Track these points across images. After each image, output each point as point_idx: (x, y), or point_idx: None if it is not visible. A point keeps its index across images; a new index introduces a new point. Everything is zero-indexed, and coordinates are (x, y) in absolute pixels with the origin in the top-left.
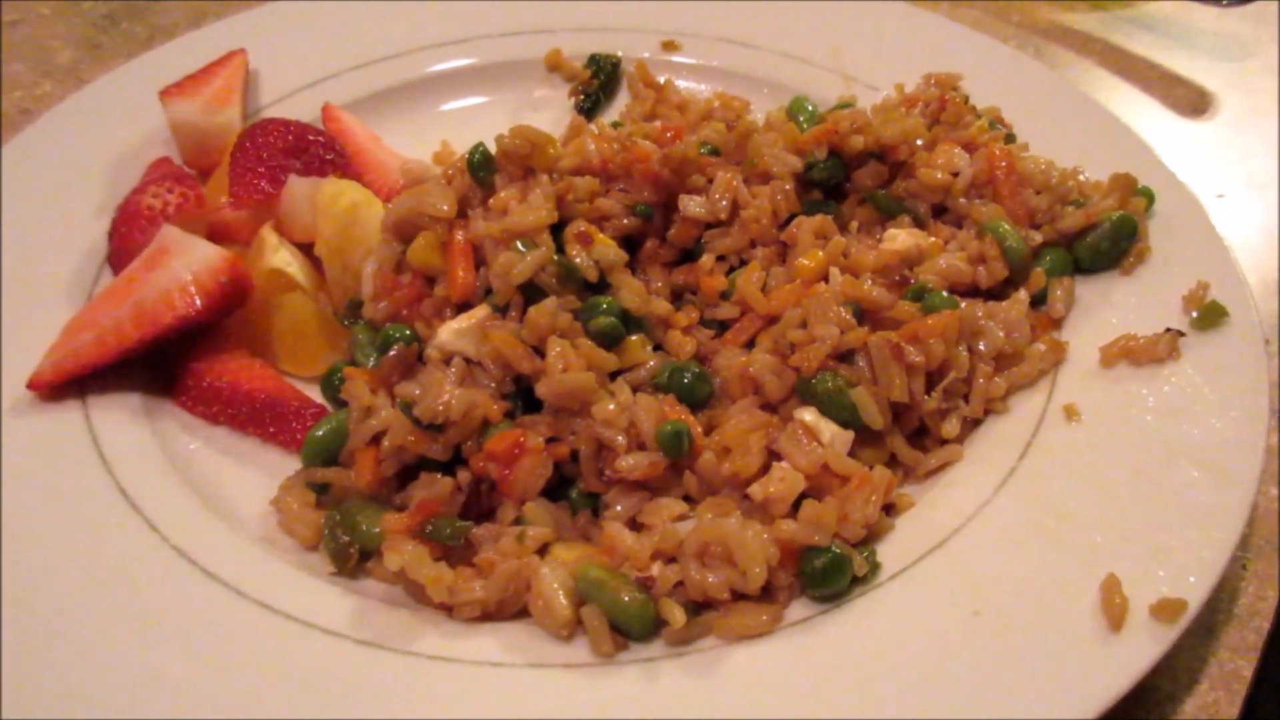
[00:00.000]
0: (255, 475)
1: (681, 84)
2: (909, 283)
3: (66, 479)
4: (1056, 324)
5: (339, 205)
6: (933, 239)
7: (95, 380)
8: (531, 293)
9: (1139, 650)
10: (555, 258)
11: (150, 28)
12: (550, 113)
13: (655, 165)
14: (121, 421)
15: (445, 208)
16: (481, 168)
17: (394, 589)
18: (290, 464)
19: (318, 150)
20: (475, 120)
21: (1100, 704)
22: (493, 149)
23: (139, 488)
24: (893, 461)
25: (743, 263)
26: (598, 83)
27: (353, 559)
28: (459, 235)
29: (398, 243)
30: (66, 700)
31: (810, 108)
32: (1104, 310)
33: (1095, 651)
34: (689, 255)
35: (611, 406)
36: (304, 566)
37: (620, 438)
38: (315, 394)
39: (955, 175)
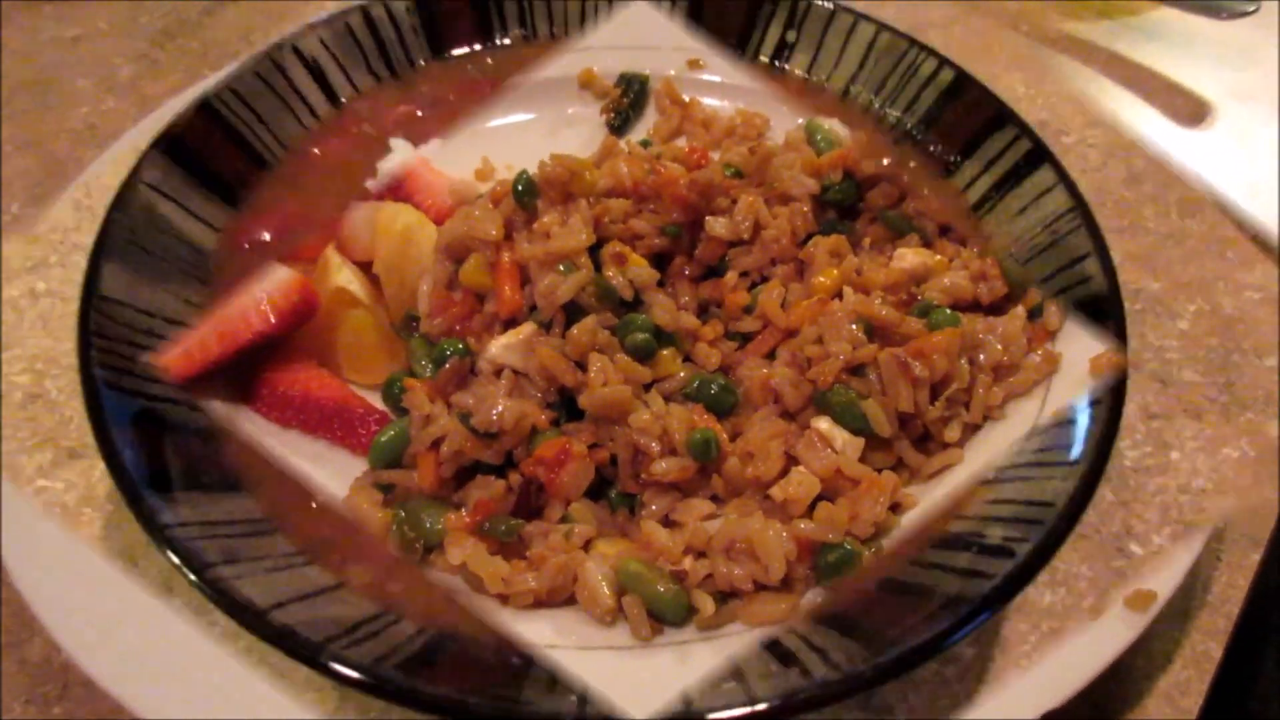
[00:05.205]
0: (326, 475)
1: (706, 101)
2: (916, 299)
3: None
4: (1051, 335)
5: (395, 228)
6: (938, 257)
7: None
8: (573, 310)
9: (1115, 635)
10: (594, 278)
11: (203, 42)
12: (583, 129)
13: (683, 189)
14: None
15: (494, 232)
16: (526, 194)
17: (455, 578)
18: (356, 464)
19: None
20: (514, 136)
21: (1081, 681)
22: (533, 170)
23: None
24: (899, 464)
25: (764, 279)
26: (627, 101)
27: (418, 553)
28: (506, 257)
29: (450, 263)
30: None
31: (826, 125)
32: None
33: (1078, 635)
34: (714, 271)
35: (646, 416)
36: None
37: (655, 444)
38: (377, 400)
39: None
